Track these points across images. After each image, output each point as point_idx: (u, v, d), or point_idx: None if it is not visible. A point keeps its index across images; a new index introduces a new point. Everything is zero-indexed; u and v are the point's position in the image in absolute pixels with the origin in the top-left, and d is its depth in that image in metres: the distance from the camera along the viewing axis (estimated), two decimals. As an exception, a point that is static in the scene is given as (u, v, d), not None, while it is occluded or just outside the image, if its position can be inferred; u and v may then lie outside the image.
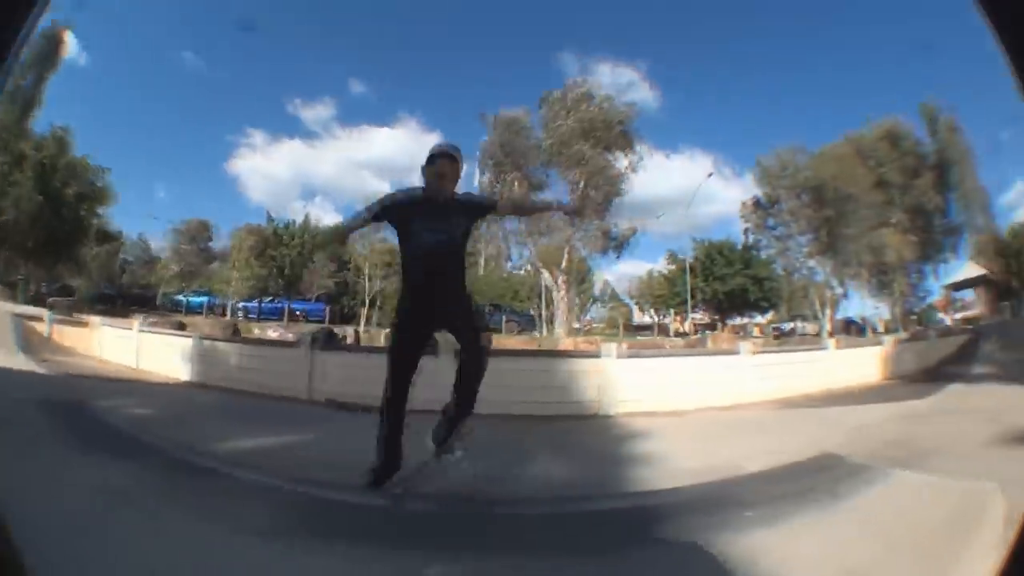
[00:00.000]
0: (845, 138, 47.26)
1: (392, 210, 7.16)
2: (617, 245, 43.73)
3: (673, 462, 9.75)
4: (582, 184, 39.48)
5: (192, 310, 43.17)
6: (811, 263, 47.79)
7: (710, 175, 63.01)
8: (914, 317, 48.99)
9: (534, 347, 27.29)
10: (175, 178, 72.41)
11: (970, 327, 34.71)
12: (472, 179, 40.79)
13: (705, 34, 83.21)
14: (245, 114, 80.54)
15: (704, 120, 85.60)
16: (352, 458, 7.90)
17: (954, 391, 17.09)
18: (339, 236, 9.73)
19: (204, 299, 45.85)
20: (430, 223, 6.94)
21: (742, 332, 53.17)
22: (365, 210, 7.37)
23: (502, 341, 27.66)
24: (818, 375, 18.49)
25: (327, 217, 58.09)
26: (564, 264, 41.50)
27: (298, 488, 7.44)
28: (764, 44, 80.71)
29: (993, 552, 4.34)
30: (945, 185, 47.74)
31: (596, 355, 16.19)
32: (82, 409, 12.12)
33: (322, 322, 42.38)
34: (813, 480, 7.91)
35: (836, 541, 5.51)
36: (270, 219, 55.49)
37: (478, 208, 7.90)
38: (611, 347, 16.60)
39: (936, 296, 50.49)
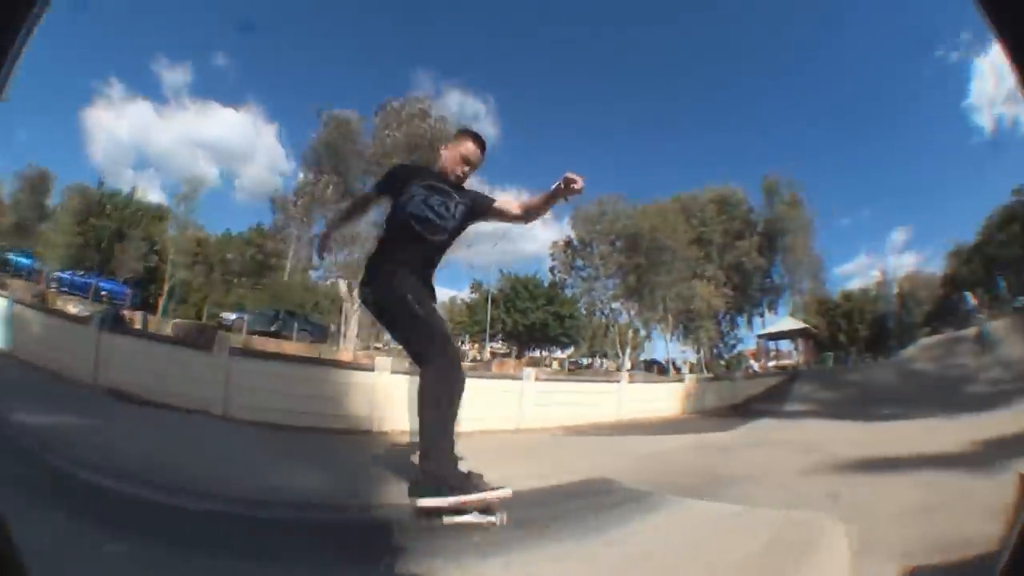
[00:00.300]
0: (674, 197, 50.36)
1: (398, 177, 6.00)
2: None
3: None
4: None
5: (18, 272, 39.07)
6: (615, 305, 49.43)
7: None
8: (723, 362, 51.66)
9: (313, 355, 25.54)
10: (31, 118, 68.02)
11: (783, 371, 35.22)
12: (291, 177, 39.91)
13: (559, 83, 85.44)
14: (113, 59, 77.05)
15: (536, 163, 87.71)
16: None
17: (761, 425, 16.52)
18: (354, 210, 7.07)
19: (28, 261, 41.80)
20: (432, 201, 5.65)
21: (540, 363, 54.18)
22: (371, 187, 6.45)
23: (282, 346, 25.98)
24: (610, 406, 17.90)
25: (153, 193, 55.89)
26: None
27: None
28: (616, 103, 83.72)
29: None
30: (771, 249, 51.29)
31: (369, 368, 14.65)
32: None
33: (123, 305, 38.94)
34: (575, 504, 6.98)
35: (595, 569, 4.76)
36: (100, 183, 51.91)
37: (478, 206, 6.07)
38: (386, 361, 15.07)
39: (749, 345, 54.06)
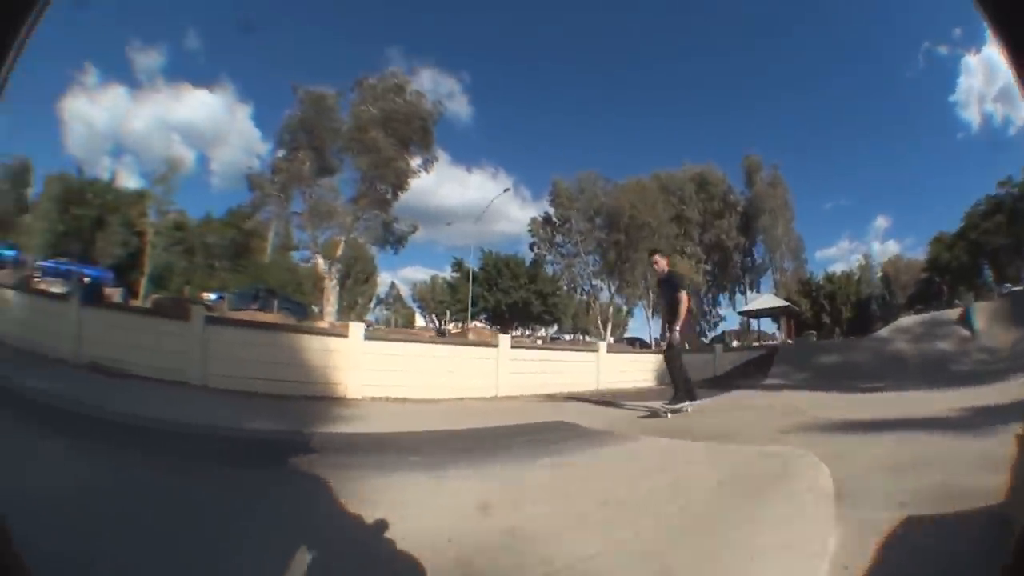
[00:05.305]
0: (653, 175, 49.63)
1: None
2: (397, 239, 41.89)
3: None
4: (369, 173, 38.17)
5: (1, 264, 38.57)
6: (596, 282, 50.11)
7: (506, 190, 64.90)
8: (705, 341, 50.28)
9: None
10: (9, 108, 67.05)
11: (765, 346, 34.88)
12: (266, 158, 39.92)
13: (530, 59, 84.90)
14: (87, 47, 75.77)
15: (511, 142, 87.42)
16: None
17: (741, 394, 16.25)
18: None
19: (12, 253, 39.38)
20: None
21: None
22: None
23: (259, 316, 25.56)
24: (589, 375, 17.61)
25: (133, 180, 55.35)
26: (339, 253, 39.77)
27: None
28: (589, 80, 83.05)
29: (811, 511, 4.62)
30: (751, 229, 51.74)
31: (343, 335, 14.48)
32: None
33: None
34: (528, 437, 7.52)
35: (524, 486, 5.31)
36: (80, 172, 51.11)
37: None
38: (359, 327, 15.06)
39: (732, 325, 54.47)
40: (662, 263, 13.05)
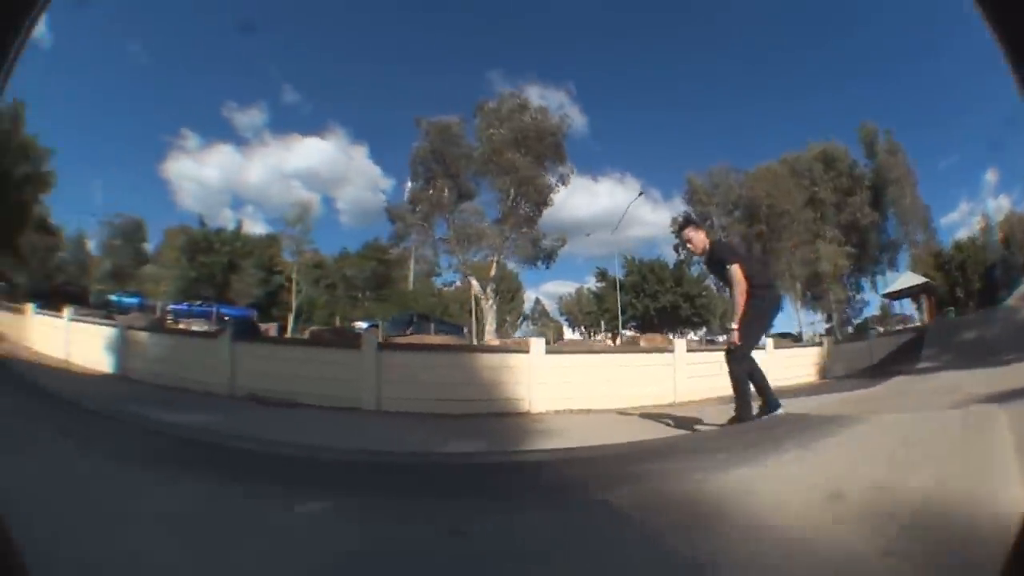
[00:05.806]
0: (781, 159, 49.04)
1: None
2: (547, 255, 42.75)
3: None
4: (512, 193, 39.16)
5: (123, 310, 40.10)
6: None
7: (640, 194, 64.45)
8: (850, 330, 49.57)
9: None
10: (108, 176, 70.33)
11: (911, 328, 34.47)
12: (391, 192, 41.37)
13: (635, 60, 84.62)
14: (180, 114, 79.12)
15: (632, 145, 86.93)
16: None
17: (902, 380, 16.55)
18: None
19: (135, 300, 42.02)
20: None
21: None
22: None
23: (426, 338, 26.66)
24: None
25: (258, 227, 57.57)
26: (492, 273, 40.86)
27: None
28: (698, 70, 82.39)
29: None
30: (882, 203, 49.84)
31: (524, 351, 15.06)
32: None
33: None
34: (773, 431, 7.65)
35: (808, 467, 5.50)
36: (202, 223, 54.20)
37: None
38: (540, 341, 15.86)
39: (872, 309, 52.28)
40: (698, 238, 10.00)
